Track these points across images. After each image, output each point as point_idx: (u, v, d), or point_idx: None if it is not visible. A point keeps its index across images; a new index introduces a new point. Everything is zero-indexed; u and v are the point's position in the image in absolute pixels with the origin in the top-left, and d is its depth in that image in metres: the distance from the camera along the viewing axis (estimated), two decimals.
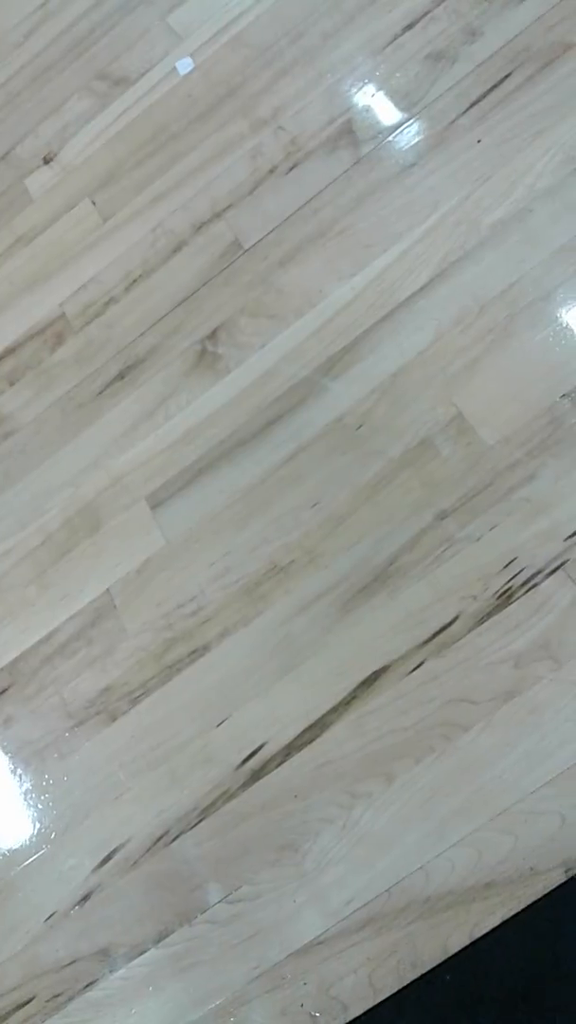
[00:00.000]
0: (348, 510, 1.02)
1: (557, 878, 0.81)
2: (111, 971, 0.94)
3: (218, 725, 0.99)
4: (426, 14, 1.22)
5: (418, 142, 1.15)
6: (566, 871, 0.81)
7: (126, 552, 1.13)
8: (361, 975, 0.85)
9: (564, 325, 0.99)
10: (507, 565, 0.93)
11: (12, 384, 1.32)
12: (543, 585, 0.91)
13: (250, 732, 0.98)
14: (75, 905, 0.99)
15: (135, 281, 1.28)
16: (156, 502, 1.13)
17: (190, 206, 1.28)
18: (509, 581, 0.92)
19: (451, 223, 1.09)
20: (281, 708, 0.97)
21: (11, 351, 1.35)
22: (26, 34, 1.59)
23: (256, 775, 0.95)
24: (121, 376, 1.23)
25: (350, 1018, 0.84)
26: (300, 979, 0.87)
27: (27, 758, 1.08)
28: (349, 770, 0.92)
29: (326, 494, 1.03)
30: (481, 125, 1.12)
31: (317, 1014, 0.85)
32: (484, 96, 1.13)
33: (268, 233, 1.20)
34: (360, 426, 1.05)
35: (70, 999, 0.95)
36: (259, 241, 1.21)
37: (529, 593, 0.91)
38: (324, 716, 0.95)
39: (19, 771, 1.07)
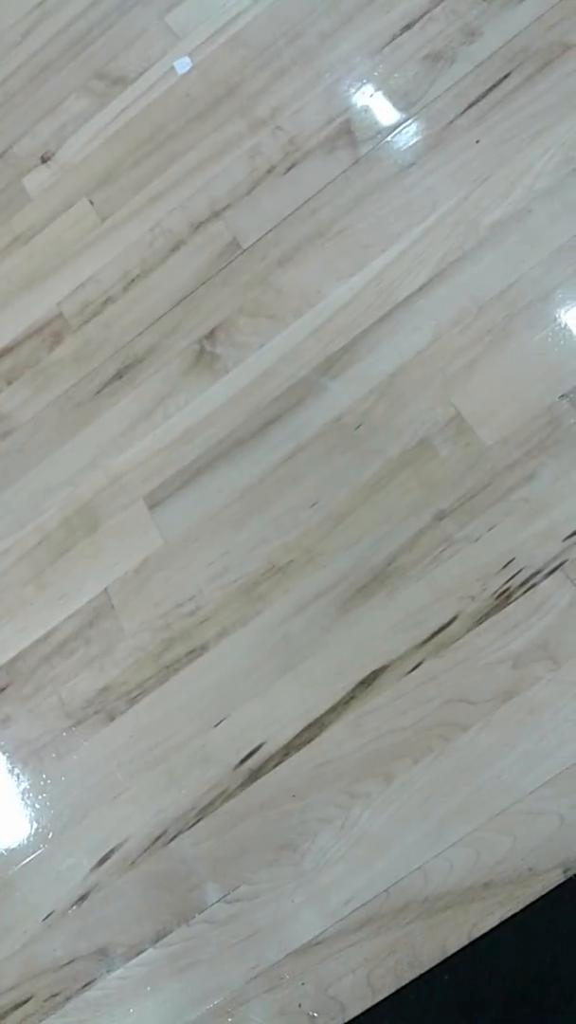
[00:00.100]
0: (347, 510, 1.02)
1: (556, 878, 0.81)
2: (109, 971, 0.94)
3: (216, 725, 0.99)
4: (424, 14, 1.22)
5: (416, 142, 1.15)
6: (564, 871, 0.81)
7: (124, 552, 1.13)
8: (359, 975, 0.85)
9: (563, 325, 0.99)
10: (506, 565, 0.93)
11: (10, 383, 1.32)
12: (542, 585, 0.91)
13: (248, 732, 0.98)
14: (73, 905, 0.98)
15: (133, 281, 1.28)
16: (154, 502, 1.13)
17: (188, 206, 1.28)
18: (508, 581, 0.92)
19: (450, 223, 1.09)
20: (279, 708, 0.97)
21: (9, 350, 1.34)
22: (24, 33, 1.59)
23: (254, 775, 0.95)
24: (119, 376, 1.23)
25: (348, 1018, 0.84)
26: (298, 979, 0.87)
27: (25, 758, 1.08)
28: (348, 770, 0.92)
29: (325, 494, 1.03)
30: (480, 125, 1.12)
31: (315, 1014, 0.85)
32: (483, 96, 1.13)
33: (266, 233, 1.20)
34: (359, 426, 1.05)
35: (68, 999, 0.95)
36: (257, 241, 1.20)
37: (528, 593, 0.91)
38: (322, 716, 0.95)
39: (17, 771, 1.07)
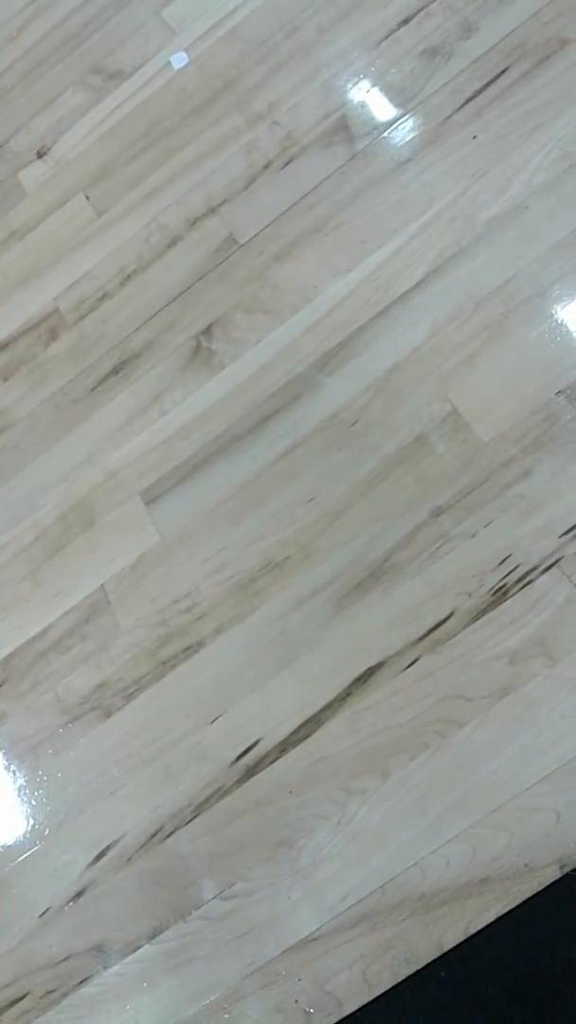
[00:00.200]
0: (343, 506, 1.02)
1: (552, 874, 0.81)
2: (105, 967, 0.94)
3: (213, 721, 0.99)
4: (421, 9, 1.22)
5: (413, 138, 1.14)
6: (561, 867, 0.81)
7: (120, 548, 1.12)
8: (356, 971, 0.85)
9: (560, 321, 0.98)
10: (502, 562, 0.93)
11: (6, 379, 1.31)
12: (538, 582, 0.91)
13: (245, 728, 0.97)
14: (69, 901, 0.98)
15: (129, 276, 1.28)
16: (151, 498, 1.13)
17: (185, 201, 1.28)
18: (504, 578, 0.92)
19: (446, 219, 1.09)
20: (276, 704, 0.97)
21: (5, 346, 1.34)
22: (19, 28, 1.58)
23: (251, 771, 0.95)
24: (115, 371, 1.22)
25: (344, 1014, 0.84)
26: (295, 975, 0.87)
27: (21, 754, 1.07)
28: (344, 766, 0.92)
29: (321, 490, 1.03)
30: (477, 121, 1.12)
31: (311, 1010, 0.85)
32: (480, 92, 1.13)
33: (263, 228, 1.20)
34: (355, 422, 1.04)
35: (64, 995, 0.95)
36: (254, 236, 1.20)
37: (524, 590, 0.91)
38: (319, 712, 0.95)
39: (13, 767, 1.07)
